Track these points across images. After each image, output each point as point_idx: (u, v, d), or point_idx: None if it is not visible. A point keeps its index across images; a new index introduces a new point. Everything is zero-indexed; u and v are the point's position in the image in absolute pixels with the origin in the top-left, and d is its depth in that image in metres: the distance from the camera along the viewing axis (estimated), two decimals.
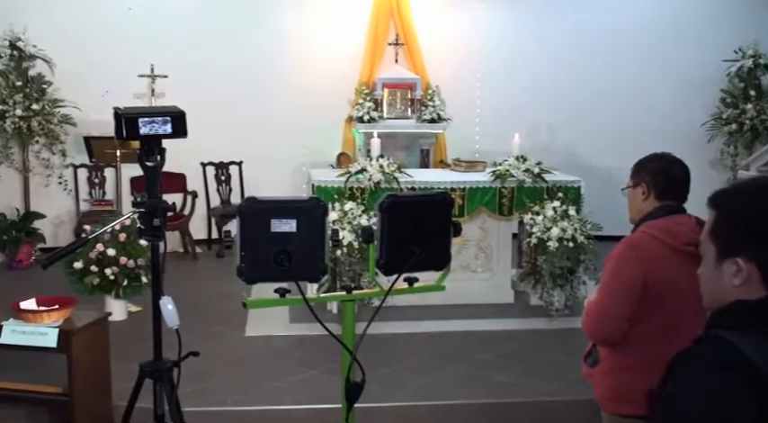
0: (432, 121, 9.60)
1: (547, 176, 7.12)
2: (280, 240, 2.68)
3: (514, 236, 7.41)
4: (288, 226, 2.69)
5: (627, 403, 3.04)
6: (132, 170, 8.00)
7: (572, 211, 6.87)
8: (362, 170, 6.93)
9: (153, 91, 8.88)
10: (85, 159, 8.68)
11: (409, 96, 9.69)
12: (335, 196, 6.79)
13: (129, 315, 6.64)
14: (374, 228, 2.89)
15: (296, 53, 9.54)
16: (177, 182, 8.98)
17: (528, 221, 6.91)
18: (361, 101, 9.52)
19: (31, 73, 8.77)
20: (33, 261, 8.49)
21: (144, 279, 6.36)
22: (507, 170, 7.08)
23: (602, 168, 9.09)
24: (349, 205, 6.65)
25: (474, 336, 6.44)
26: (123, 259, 6.30)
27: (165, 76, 8.81)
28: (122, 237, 6.36)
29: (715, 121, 9.76)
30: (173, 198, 8.65)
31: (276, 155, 9.38)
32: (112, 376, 4.64)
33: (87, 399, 4.37)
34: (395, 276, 2.91)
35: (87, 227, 6.64)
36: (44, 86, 8.75)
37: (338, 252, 6.25)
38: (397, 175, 6.94)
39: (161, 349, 3.30)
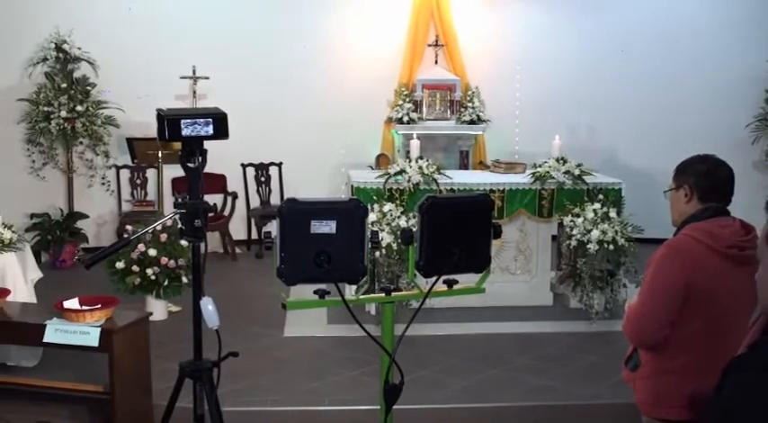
0: (471, 122, 9.55)
1: (587, 178, 7.04)
2: (319, 242, 2.69)
3: (554, 238, 7.35)
4: (327, 227, 2.70)
5: (668, 408, 3.01)
6: (174, 171, 8.04)
7: (613, 214, 6.78)
8: (401, 171, 6.92)
9: (195, 93, 8.95)
10: (128, 160, 8.75)
11: (449, 98, 9.65)
12: (374, 197, 6.79)
13: (169, 315, 6.69)
14: (413, 229, 2.88)
15: (336, 55, 9.56)
16: (218, 183, 9.04)
17: (568, 223, 6.84)
18: (400, 102, 9.50)
19: (76, 75, 8.88)
20: (76, 261, 8.60)
21: (184, 279, 6.40)
22: (547, 172, 7.01)
23: (643, 170, 8.97)
24: (388, 206, 6.64)
25: (512, 338, 6.40)
26: (164, 259, 6.35)
27: (207, 78, 8.87)
28: (163, 237, 6.42)
29: (759, 123, 9.59)
30: (213, 199, 8.73)
31: (315, 156, 9.40)
32: (153, 376, 4.68)
33: (128, 398, 4.42)
34: (434, 278, 2.91)
35: (129, 227, 6.72)
36: (88, 88, 8.85)
37: (377, 253, 6.24)
38: (436, 176, 6.92)
39: (201, 349, 3.32)
